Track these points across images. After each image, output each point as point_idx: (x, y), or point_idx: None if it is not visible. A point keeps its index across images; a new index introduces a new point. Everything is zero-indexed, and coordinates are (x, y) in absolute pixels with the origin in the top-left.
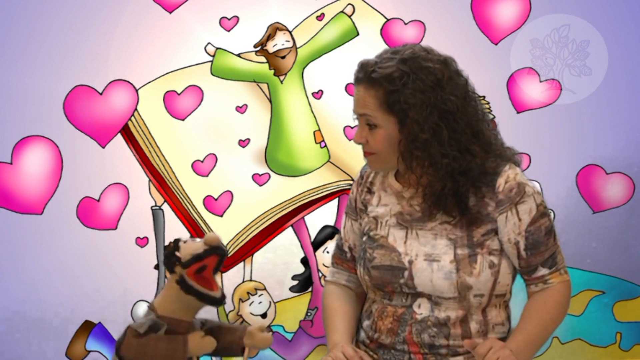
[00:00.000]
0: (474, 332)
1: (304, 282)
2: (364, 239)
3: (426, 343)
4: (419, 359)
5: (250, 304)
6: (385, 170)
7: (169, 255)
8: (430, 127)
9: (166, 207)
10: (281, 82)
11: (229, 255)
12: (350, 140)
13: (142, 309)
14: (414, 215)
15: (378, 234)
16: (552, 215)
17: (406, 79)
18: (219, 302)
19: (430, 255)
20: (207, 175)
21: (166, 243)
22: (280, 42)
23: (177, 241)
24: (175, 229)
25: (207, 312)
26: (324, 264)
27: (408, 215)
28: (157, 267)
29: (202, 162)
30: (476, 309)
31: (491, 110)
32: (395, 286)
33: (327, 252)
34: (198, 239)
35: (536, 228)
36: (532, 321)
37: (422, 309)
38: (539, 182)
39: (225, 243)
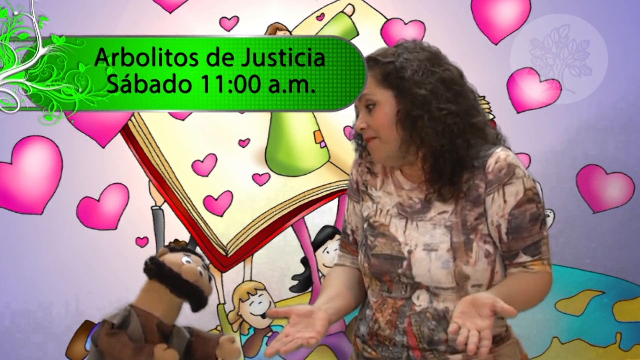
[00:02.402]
0: None
1: (304, 282)
2: (365, 225)
3: (425, 336)
4: (417, 355)
5: (250, 304)
6: (390, 160)
7: (179, 280)
8: (427, 85)
9: (166, 207)
10: None
11: (228, 256)
12: (350, 140)
13: None
14: (414, 207)
15: (378, 221)
16: (549, 213)
17: (400, 52)
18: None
19: (428, 245)
20: (207, 175)
21: (167, 243)
22: None
23: (181, 250)
24: (175, 229)
25: (208, 312)
26: (324, 264)
27: (408, 207)
28: None
29: (202, 162)
30: None
31: (491, 110)
32: (393, 276)
33: (327, 252)
34: (188, 260)
35: (520, 212)
36: (517, 285)
37: (421, 300)
38: (539, 182)
39: (225, 243)
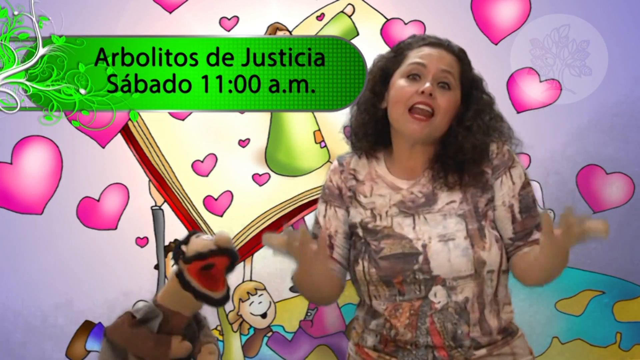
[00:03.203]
0: (488, 313)
1: None
2: (361, 233)
3: (449, 332)
4: (444, 355)
5: (250, 304)
6: (422, 139)
7: (177, 247)
8: (482, 101)
9: (166, 207)
10: None
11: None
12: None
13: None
14: (417, 201)
15: (380, 225)
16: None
17: (469, 63)
18: (217, 302)
19: (444, 236)
20: (207, 175)
21: (167, 243)
22: None
23: (190, 234)
24: (175, 229)
25: (208, 312)
26: None
27: (411, 202)
28: (157, 267)
29: (202, 162)
30: (489, 288)
31: None
32: (406, 274)
33: None
34: (211, 237)
35: (526, 193)
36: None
37: (439, 297)
38: (539, 182)
39: None
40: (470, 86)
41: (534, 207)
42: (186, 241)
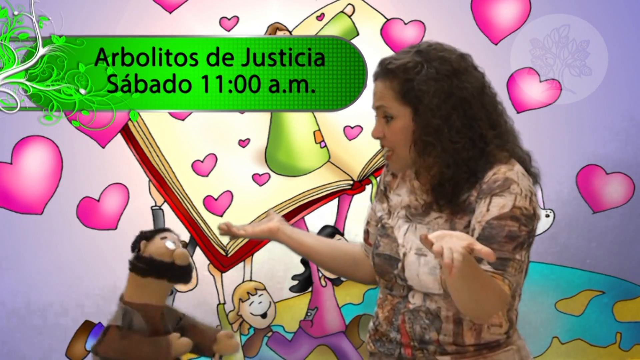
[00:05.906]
0: (467, 329)
1: (304, 282)
2: (378, 226)
3: (417, 335)
4: (408, 353)
5: (250, 304)
6: (404, 169)
7: (138, 240)
8: (442, 114)
9: (166, 207)
10: None
11: (228, 256)
12: (350, 140)
13: None
14: (418, 209)
15: (388, 224)
16: (549, 213)
17: (420, 68)
18: (181, 270)
19: (420, 250)
20: (207, 175)
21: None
22: None
23: (157, 231)
24: (175, 229)
25: (208, 312)
26: None
27: (414, 209)
28: None
29: (202, 162)
30: None
31: None
32: (390, 277)
33: None
34: (172, 244)
35: (499, 225)
36: (482, 272)
37: (415, 299)
38: (538, 183)
39: (225, 243)
40: (418, 97)
41: (502, 242)
42: (149, 237)
